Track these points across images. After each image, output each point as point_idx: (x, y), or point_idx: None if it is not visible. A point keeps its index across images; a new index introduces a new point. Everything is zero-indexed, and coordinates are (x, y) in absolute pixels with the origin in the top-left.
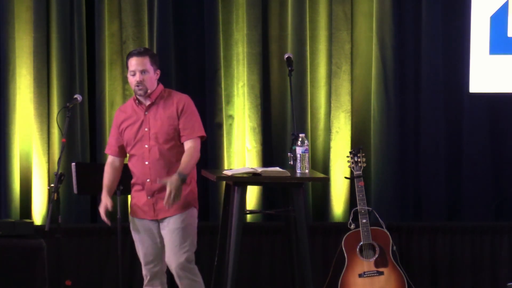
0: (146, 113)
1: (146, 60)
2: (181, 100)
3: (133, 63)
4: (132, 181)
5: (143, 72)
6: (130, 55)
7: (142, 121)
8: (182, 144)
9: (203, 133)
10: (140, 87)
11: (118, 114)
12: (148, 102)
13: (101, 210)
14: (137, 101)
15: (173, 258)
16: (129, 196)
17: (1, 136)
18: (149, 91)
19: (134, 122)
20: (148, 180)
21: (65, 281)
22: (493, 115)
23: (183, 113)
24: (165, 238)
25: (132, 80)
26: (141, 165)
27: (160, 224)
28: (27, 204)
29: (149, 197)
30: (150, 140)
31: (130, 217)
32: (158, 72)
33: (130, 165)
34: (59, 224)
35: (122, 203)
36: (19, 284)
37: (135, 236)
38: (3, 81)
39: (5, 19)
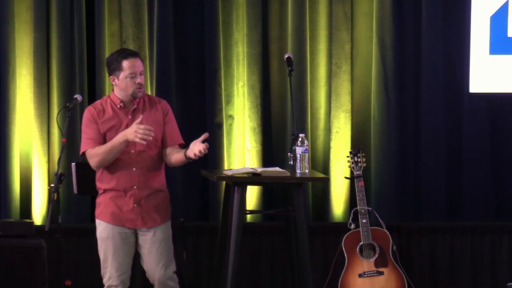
0: (130, 117)
1: (141, 62)
2: (166, 106)
3: (134, 64)
4: (108, 186)
5: (141, 73)
6: (127, 55)
7: (127, 125)
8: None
9: (182, 141)
10: (141, 89)
11: (94, 112)
12: (132, 106)
13: (140, 128)
14: (121, 104)
15: (161, 269)
16: None
17: (1, 136)
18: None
19: (116, 125)
20: (135, 187)
21: (65, 281)
22: (493, 115)
23: (168, 119)
24: (150, 248)
25: (131, 82)
26: (127, 171)
27: (143, 232)
28: (27, 204)
29: (135, 205)
30: (137, 146)
31: (102, 223)
32: None
33: (109, 171)
34: (59, 224)
35: None
36: (19, 284)
37: (109, 244)
38: (3, 81)
39: (5, 19)
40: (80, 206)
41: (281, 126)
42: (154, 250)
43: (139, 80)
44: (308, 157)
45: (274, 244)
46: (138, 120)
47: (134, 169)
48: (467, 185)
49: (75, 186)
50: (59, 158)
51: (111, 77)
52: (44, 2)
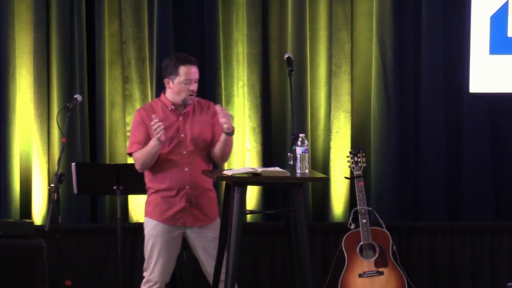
0: (181, 118)
1: (197, 70)
2: (212, 106)
3: (191, 71)
4: (161, 186)
5: (196, 81)
6: (186, 62)
7: (178, 127)
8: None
9: None
10: (192, 96)
11: (144, 115)
12: (184, 109)
13: (160, 129)
14: (172, 106)
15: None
16: (129, 196)
17: (1, 136)
18: None
19: (168, 126)
20: (187, 186)
21: (65, 281)
22: (493, 115)
23: (216, 120)
24: (206, 247)
25: (185, 88)
26: (180, 171)
27: (193, 230)
28: (27, 204)
29: (187, 204)
30: (188, 147)
31: (152, 221)
32: None
33: (159, 170)
34: (59, 224)
35: (122, 203)
36: (19, 284)
37: (157, 242)
38: (3, 81)
39: (5, 19)
40: (80, 206)
41: (281, 126)
42: (210, 248)
43: (193, 87)
44: (308, 157)
45: (274, 244)
46: (154, 120)
47: (186, 169)
48: (467, 185)
49: (75, 186)
50: (59, 158)
51: (165, 79)
52: (44, 3)
